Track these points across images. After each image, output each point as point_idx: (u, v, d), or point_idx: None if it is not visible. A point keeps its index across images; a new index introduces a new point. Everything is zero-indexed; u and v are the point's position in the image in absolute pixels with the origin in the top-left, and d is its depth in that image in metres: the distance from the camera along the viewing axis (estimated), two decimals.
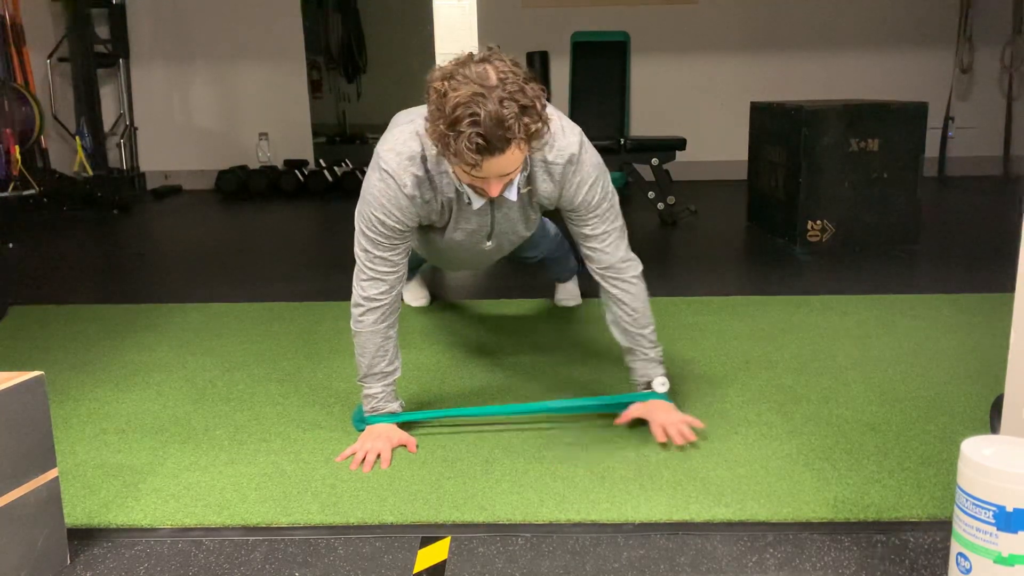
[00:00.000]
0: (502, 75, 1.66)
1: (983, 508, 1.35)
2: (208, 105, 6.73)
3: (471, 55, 1.70)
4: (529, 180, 1.96)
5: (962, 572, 1.40)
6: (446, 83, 1.65)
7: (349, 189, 6.41)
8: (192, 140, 6.73)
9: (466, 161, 1.68)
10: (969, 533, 1.38)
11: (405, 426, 2.11)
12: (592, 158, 1.97)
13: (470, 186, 1.86)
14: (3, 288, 3.62)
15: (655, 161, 4.91)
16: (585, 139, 1.97)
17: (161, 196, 6.36)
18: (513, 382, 2.47)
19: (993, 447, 1.40)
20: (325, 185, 6.42)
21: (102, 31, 6.35)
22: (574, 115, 6.25)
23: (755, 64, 6.46)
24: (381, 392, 2.07)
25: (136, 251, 4.74)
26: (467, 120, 1.62)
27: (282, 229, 5.33)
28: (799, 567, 1.57)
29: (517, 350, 2.75)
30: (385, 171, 1.90)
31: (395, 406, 2.09)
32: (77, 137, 6.05)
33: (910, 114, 4.05)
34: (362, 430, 2.09)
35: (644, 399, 2.11)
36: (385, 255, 1.97)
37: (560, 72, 6.25)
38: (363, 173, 6.80)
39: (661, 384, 2.11)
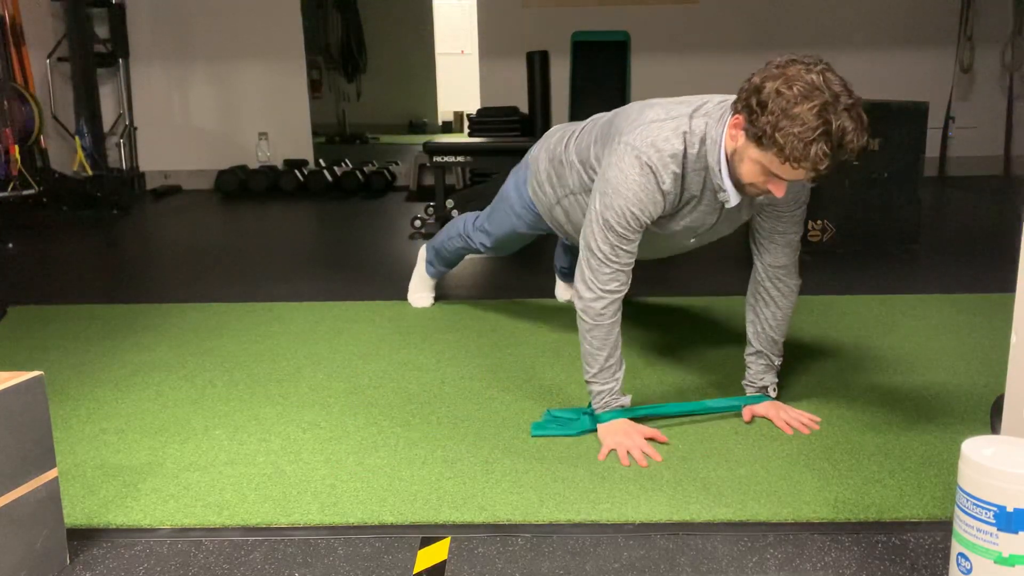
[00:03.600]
0: (840, 86, 1.74)
1: (984, 508, 1.35)
2: (208, 105, 6.73)
3: (798, 62, 1.77)
4: None
5: (963, 572, 1.40)
6: (794, 88, 1.72)
7: (349, 189, 6.42)
8: (192, 140, 6.72)
9: (815, 167, 1.74)
10: (970, 533, 1.38)
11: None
12: None
13: (750, 184, 1.88)
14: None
15: None
16: None
17: (161, 196, 6.36)
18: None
19: (993, 447, 1.40)
20: (325, 185, 6.42)
21: (102, 31, 6.35)
22: (574, 115, 6.24)
23: (755, 64, 6.36)
24: (617, 387, 2.08)
25: (136, 251, 4.74)
26: (821, 129, 1.70)
27: (282, 229, 5.32)
28: (799, 567, 1.57)
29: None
30: (648, 166, 1.92)
31: (626, 400, 2.11)
32: (77, 137, 6.04)
33: (910, 114, 4.04)
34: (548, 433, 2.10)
35: (757, 401, 2.21)
36: (629, 247, 2.00)
37: (560, 72, 6.24)
38: (363, 173, 6.85)
39: (773, 390, 2.23)
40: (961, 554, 1.40)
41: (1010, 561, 1.34)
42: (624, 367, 2.10)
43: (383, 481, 1.89)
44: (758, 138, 1.77)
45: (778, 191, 1.84)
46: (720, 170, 1.91)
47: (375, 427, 2.18)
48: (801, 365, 2.56)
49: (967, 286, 3.39)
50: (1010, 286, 1.63)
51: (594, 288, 2.02)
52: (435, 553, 1.63)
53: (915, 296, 3.27)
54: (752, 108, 1.77)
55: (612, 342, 2.05)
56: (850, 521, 1.71)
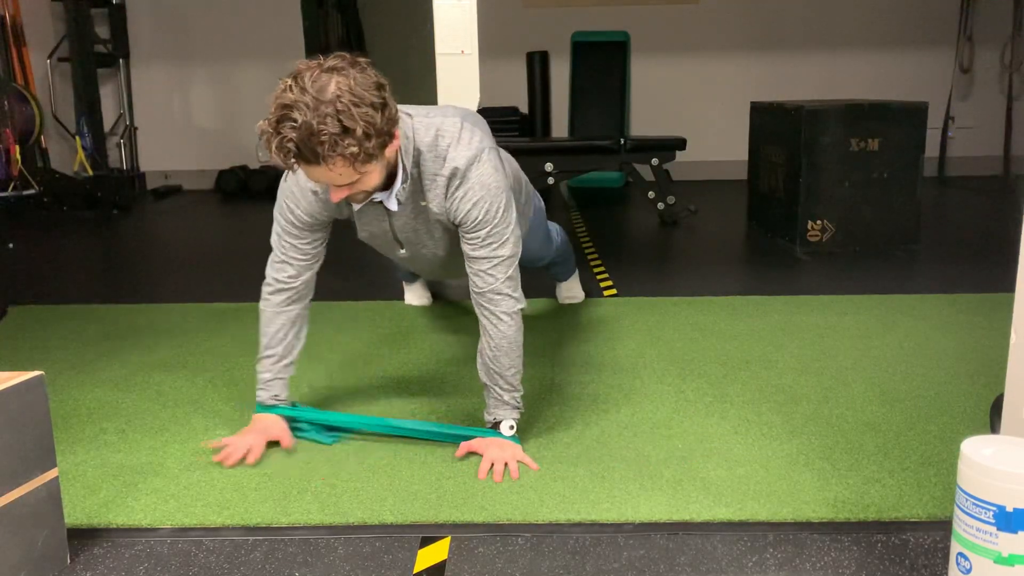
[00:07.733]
0: (340, 91, 1.62)
1: (983, 508, 1.35)
2: (208, 105, 6.73)
3: (333, 60, 1.67)
4: (425, 194, 1.92)
5: (962, 572, 1.40)
6: (289, 80, 1.65)
7: None
8: (192, 140, 6.73)
9: (278, 162, 1.68)
10: (969, 533, 1.38)
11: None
12: (484, 177, 1.88)
13: None
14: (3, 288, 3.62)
15: (655, 161, 4.91)
16: (486, 157, 1.89)
17: (161, 196, 6.36)
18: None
19: (993, 447, 1.40)
20: None
21: (102, 31, 6.35)
22: (574, 115, 6.25)
23: (755, 64, 6.46)
24: (269, 377, 2.07)
25: (136, 251, 4.74)
26: (287, 124, 1.61)
27: None
28: (799, 567, 1.57)
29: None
30: None
31: (267, 396, 2.08)
32: (77, 137, 6.05)
33: (910, 114, 4.05)
34: None
35: (489, 435, 2.00)
36: (294, 243, 2.01)
37: (560, 72, 6.25)
38: None
39: (509, 428, 1.99)
40: (961, 554, 1.40)
41: (1010, 561, 1.34)
42: (284, 364, 2.07)
43: (383, 481, 1.89)
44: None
45: (330, 195, 1.79)
46: None
47: None
48: (801, 365, 2.57)
49: (967, 286, 3.39)
50: (1010, 286, 1.64)
51: (269, 268, 2.04)
52: (435, 553, 1.63)
53: (915, 296, 3.27)
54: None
55: (272, 332, 2.04)
56: (850, 521, 1.71)
